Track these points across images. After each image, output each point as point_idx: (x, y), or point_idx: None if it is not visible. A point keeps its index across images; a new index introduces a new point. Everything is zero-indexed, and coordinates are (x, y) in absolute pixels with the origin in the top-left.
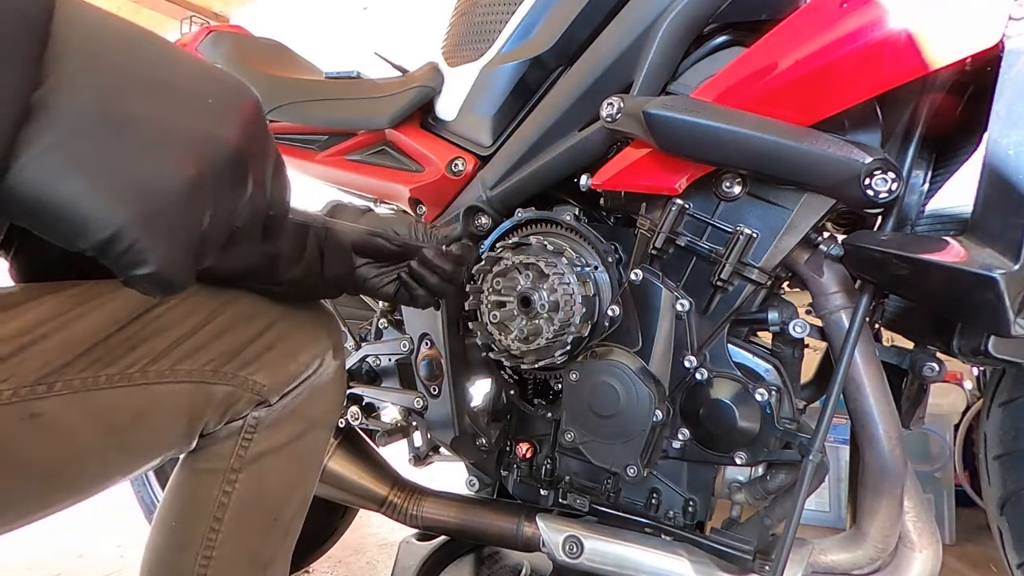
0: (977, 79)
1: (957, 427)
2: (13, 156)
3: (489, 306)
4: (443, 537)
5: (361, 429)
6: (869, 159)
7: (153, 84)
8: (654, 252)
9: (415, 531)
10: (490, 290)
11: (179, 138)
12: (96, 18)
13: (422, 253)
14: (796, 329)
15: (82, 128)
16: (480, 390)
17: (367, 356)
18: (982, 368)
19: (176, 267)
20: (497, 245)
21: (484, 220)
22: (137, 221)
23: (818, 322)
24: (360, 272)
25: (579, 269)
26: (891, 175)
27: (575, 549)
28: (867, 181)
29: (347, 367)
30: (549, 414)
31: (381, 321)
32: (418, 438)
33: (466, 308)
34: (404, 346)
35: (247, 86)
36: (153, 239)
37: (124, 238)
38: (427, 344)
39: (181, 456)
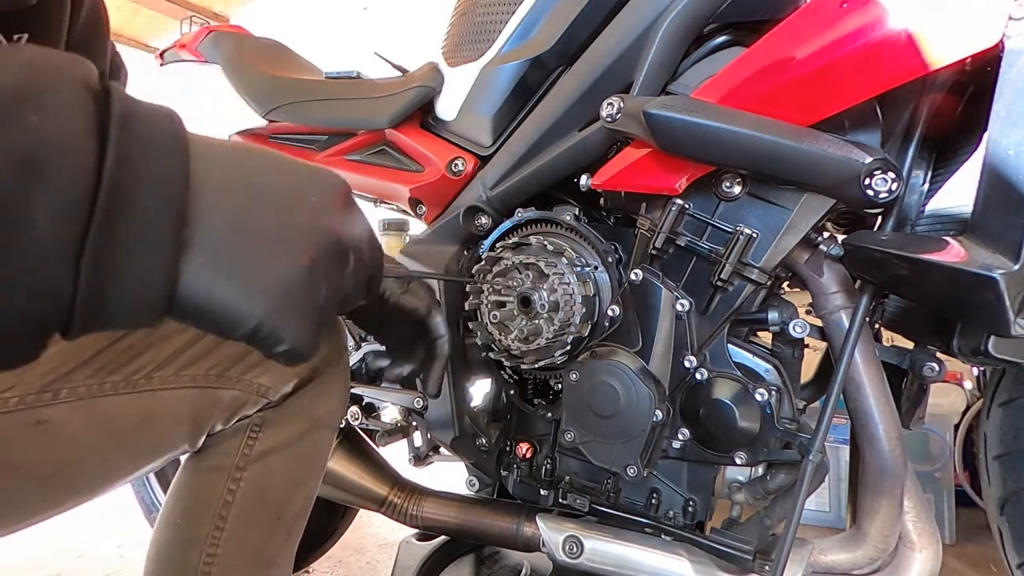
0: (977, 79)
1: (957, 427)
2: (176, 281)
3: (489, 306)
4: (443, 537)
5: (361, 429)
6: (869, 159)
7: (269, 196)
8: (654, 252)
9: (415, 531)
10: (490, 290)
11: (294, 236)
12: (219, 152)
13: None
14: (796, 329)
15: (221, 249)
16: (480, 390)
17: (367, 356)
18: (982, 368)
19: (304, 340)
20: (497, 245)
21: (484, 220)
22: (272, 311)
23: (818, 322)
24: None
25: (579, 269)
26: (891, 175)
27: (575, 549)
28: (867, 181)
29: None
30: (549, 414)
31: None
32: (418, 438)
33: (466, 308)
34: None
35: (337, 176)
36: (285, 323)
37: (265, 326)
38: None
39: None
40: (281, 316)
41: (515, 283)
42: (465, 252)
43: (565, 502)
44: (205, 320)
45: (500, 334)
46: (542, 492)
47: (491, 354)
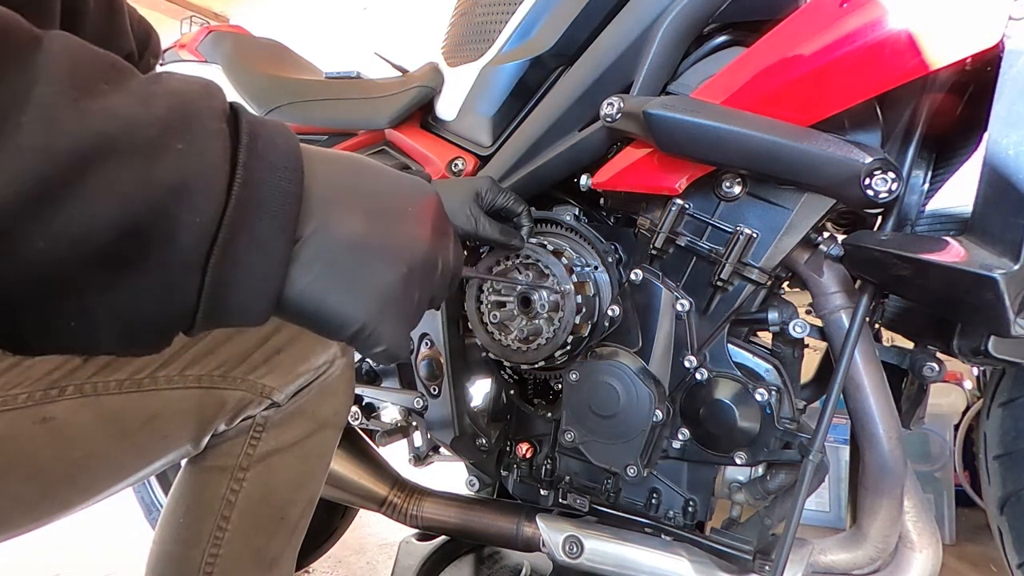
0: (977, 79)
1: (957, 427)
2: (288, 286)
3: (489, 306)
4: (443, 537)
5: (361, 429)
6: (869, 159)
7: (373, 210)
8: (654, 252)
9: (415, 531)
10: (490, 290)
11: (393, 246)
12: (329, 167)
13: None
14: (796, 329)
15: (330, 263)
16: (480, 390)
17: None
18: (982, 368)
19: (399, 341)
20: None
21: None
22: (374, 316)
23: (818, 322)
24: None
25: (579, 269)
26: (891, 175)
27: (575, 549)
28: (867, 181)
29: None
30: (549, 414)
31: None
32: (418, 438)
33: (466, 308)
34: None
35: (429, 187)
36: (384, 326)
37: (367, 329)
38: (427, 344)
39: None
40: (381, 320)
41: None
42: (465, 252)
43: (565, 502)
44: (316, 324)
45: (500, 334)
46: (542, 492)
47: (491, 354)
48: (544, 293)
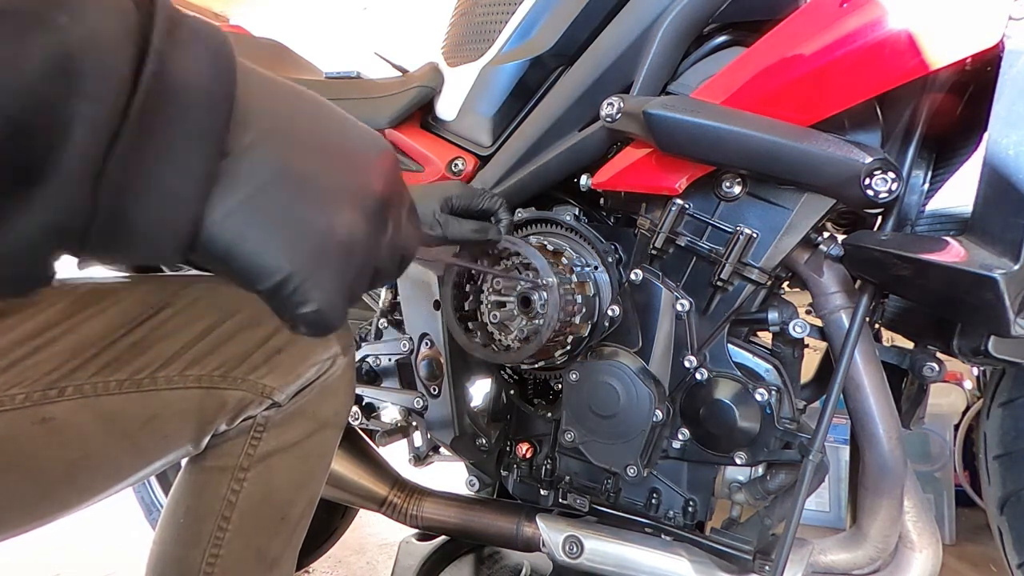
0: (977, 79)
1: (957, 427)
2: (203, 217)
3: (489, 306)
4: (443, 537)
5: (361, 429)
6: (869, 159)
7: (317, 145)
8: (654, 252)
9: (415, 531)
10: (490, 290)
11: (338, 192)
12: (269, 86)
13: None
14: (796, 329)
15: (261, 191)
16: (480, 390)
17: (367, 356)
18: (982, 368)
19: (332, 305)
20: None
21: None
22: (304, 267)
23: (818, 322)
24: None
25: (579, 269)
26: (891, 175)
27: (575, 549)
28: (867, 181)
29: None
30: (549, 414)
31: (381, 321)
32: (418, 438)
33: (466, 308)
34: (404, 346)
35: (381, 137)
36: (316, 281)
37: (293, 281)
38: (427, 344)
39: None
40: (311, 274)
41: (515, 283)
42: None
43: (565, 502)
44: (230, 266)
45: (500, 334)
46: (542, 492)
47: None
48: (544, 293)
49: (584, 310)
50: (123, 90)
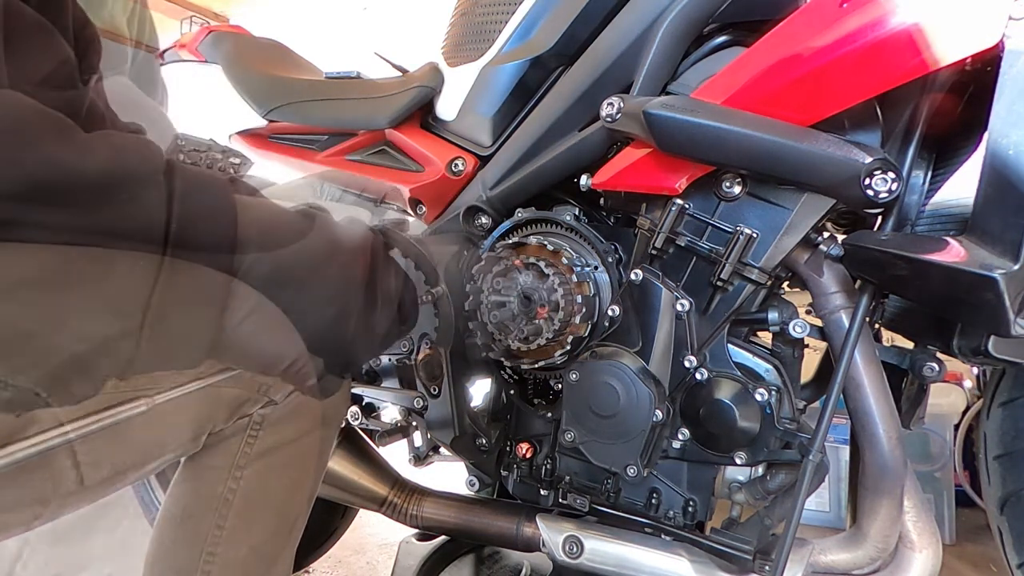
0: (977, 79)
1: (957, 427)
2: (233, 327)
3: (489, 306)
4: (443, 537)
5: (361, 429)
6: (869, 159)
7: (307, 255)
8: (654, 252)
9: (415, 531)
10: (490, 290)
11: (327, 288)
12: (259, 215)
13: None
14: (796, 329)
15: (263, 299)
16: (480, 390)
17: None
18: (982, 368)
19: (329, 379)
20: (497, 245)
21: (484, 220)
22: (303, 354)
23: (818, 322)
24: None
25: (579, 269)
26: (891, 175)
27: (575, 549)
28: (867, 181)
29: None
30: (549, 414)
31: None
32: (418, 438)
33: (466, 308)
34: (404, 346)
35: (367, 229)
36: (313, 363)
37: (297, 364)
38: (427, 344)
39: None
40: (309, 358)
41: (515, 283)
42: (465, 252)
43: (565, 502)
44: (247, 362)
45: (500, 334)
46: (542, 492)
47: (491, 354)
48: (543, 293)
49: (584, 310)
50: (157, 249)
